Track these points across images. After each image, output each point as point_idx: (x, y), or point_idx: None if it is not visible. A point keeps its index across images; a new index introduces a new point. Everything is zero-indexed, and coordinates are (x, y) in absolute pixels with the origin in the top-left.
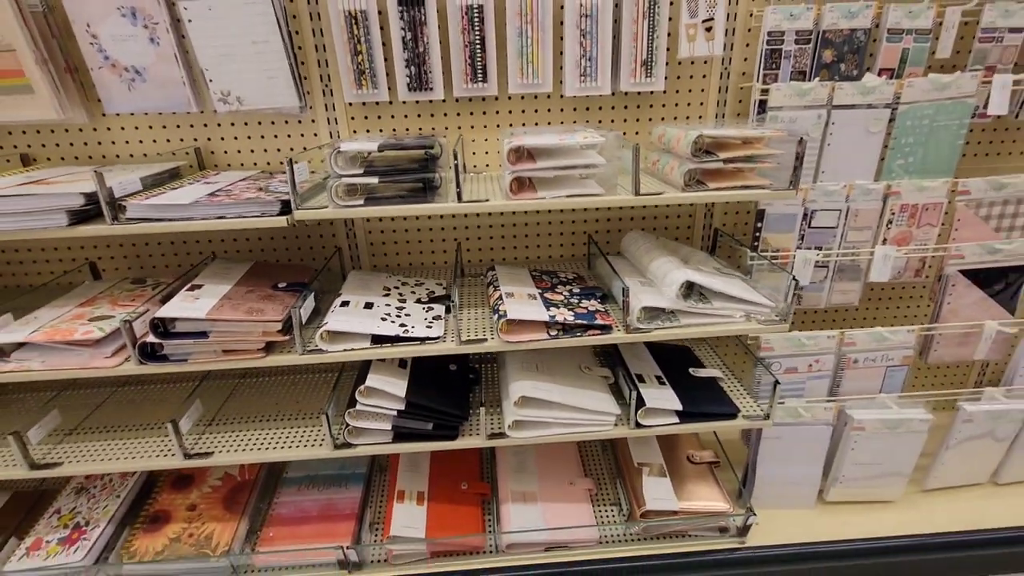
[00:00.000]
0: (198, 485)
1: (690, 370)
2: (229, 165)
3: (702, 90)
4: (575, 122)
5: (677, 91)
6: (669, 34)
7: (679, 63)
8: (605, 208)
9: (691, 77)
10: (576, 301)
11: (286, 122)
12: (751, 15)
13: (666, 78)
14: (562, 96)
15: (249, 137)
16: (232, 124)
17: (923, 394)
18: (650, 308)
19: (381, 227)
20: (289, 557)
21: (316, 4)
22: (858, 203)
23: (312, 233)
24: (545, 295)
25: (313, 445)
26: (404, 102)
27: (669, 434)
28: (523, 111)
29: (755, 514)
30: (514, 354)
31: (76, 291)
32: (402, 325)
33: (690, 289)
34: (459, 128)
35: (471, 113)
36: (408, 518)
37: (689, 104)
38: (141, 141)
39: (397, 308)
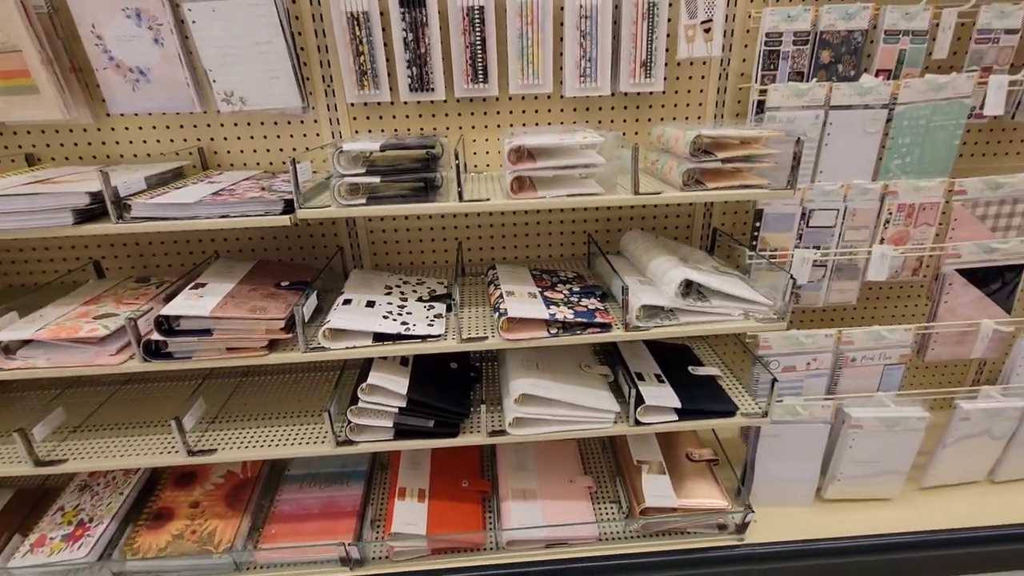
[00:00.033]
0: (201, 483)
1: (689, 368)
2: (232, 165)
3: (701, 91)
4: (575, 122)
5: (676, 91)
6: (668, 35)
7: (678, 64)
8: (605, 207)
9: (690, 78)
10: (576, 299)
11: (288, 122)
12: (749, 16)
13: (665, 79)
14: (562, 96)
15: (252, 137)
16: (235, 124)
17: (920, 392)
18: (649, 306)
19: (383, 226)
20: (291, 554)
21: (319, 5)
22: (856, 203)
23: (314, 232)
24: (545, 294)
25: (315, 442)
26: (405, 102)
27: (668, 432)
28: (523, 111)
29: (753, 511)
30: (514, 352)
31: (80, 290)
32: (404, 323)
33: (689, 287)
34: (460, 128)
35: (472, 113)
36: (409, 515)
37: (688, 104)
38: (145, 141)
39: (399, 306)
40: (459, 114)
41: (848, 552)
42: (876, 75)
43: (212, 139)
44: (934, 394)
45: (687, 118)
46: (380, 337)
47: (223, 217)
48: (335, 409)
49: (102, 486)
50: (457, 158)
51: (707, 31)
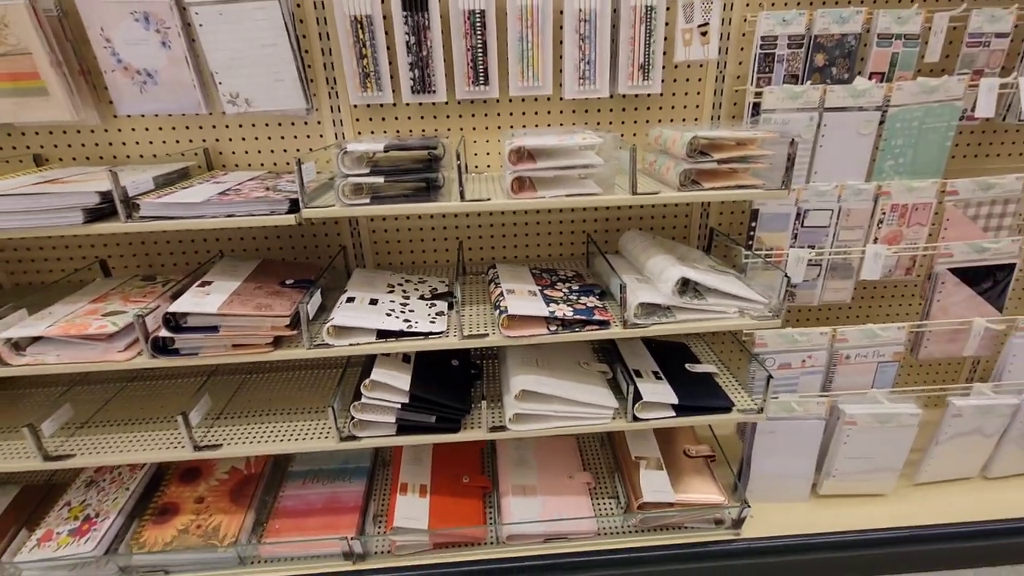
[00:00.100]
0: (205, 478)
1: (686, 366)
2: (237, 165)
3: (698, 93)
4: (574, 123)
5: (673, 94)
6: (666, 38)
7: (675, 66)
8: (603, 207)
9: (687, 80)
10: (575, 298)
11: (293, 124)
12: (745, 20)
13: (663, 81)
14: (561, 98)
15: (256, 138)
16: (240, 125)
17: (914, 389)
18: (647, 304)
19: (385, 226)
20: (295, 548)
21: (323, 9)
22: (850, 203)
23: (317, 232)
24: (545, 292)
25: (319, 438)
26: (408, 104)
27: (666, 429)
28: (523, 113)
29: (749, 507)
30: (514, 349)
31: (88, 288)
32: (406, 320)
33: (685, 285)
34: (461, 129)
35: (473, 115)
36: (411, 510)
37: (685, 106)
38: (151, 142)
39: (401, 304)
40: (460, 116)
41: (843, 547)
42: (869, 78)
43: (218, 140)
44: (927, 391)
45: (684, 120)
46: (383, 334)
47: (229, 216)
48: (338, 405)
49: (108, 482)
50: (458, 159)
51: (704, 34)
